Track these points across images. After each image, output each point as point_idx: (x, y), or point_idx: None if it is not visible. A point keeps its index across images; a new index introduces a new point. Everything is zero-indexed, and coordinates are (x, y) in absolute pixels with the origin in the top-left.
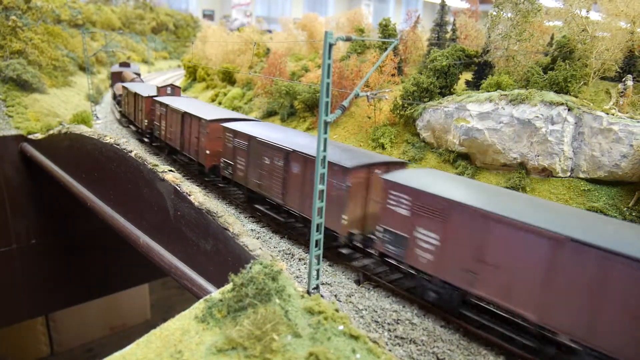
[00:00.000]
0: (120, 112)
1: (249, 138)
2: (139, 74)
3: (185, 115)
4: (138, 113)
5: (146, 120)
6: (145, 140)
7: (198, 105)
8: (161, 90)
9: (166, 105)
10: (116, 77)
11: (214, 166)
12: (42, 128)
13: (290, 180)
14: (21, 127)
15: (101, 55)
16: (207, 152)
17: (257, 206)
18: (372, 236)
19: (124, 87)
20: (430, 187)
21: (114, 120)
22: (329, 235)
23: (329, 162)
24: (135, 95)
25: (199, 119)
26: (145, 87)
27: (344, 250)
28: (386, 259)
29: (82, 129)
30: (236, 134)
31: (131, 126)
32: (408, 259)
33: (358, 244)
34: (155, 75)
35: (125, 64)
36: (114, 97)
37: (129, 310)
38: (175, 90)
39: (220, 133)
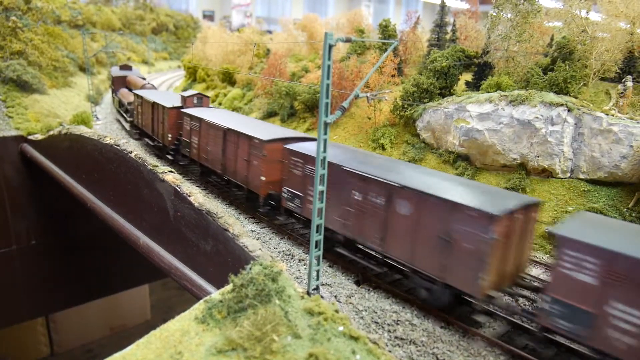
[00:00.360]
0: (130, 122)
1: (329, 166)
2: (144, 78)
3: (229, 132)
4: (158, 126)
5: (170, 135)
6: (169, 157)
7: (242, 120)
8: (187, 99)
9: (199, 119)
10: (119, 82)
11: (270, 195)
12: (42, 129)
13: (394, 223)
14: (21, 128)
15: (101, 56)
16: (263, 178)
17: (339, 250)
18: (512, 300)
19: (136, 95)
20: (634, 248)
21: (113, 120)
22: (458, 297)
23: (457, 204)
24: (154, 105)
25: (250, 137)
26: (166, 95)
27: (480, 318)
28: (549, 335)
29: (82, 130)
30: (308, 159)
31: (147, 139)
32: (594, 341)
33: (498, 310)
34: (156, 75)
35: (127, 67)
36: (120, 105)
37: (129, 310)
38: (203, 100)
39: (281, 156)
